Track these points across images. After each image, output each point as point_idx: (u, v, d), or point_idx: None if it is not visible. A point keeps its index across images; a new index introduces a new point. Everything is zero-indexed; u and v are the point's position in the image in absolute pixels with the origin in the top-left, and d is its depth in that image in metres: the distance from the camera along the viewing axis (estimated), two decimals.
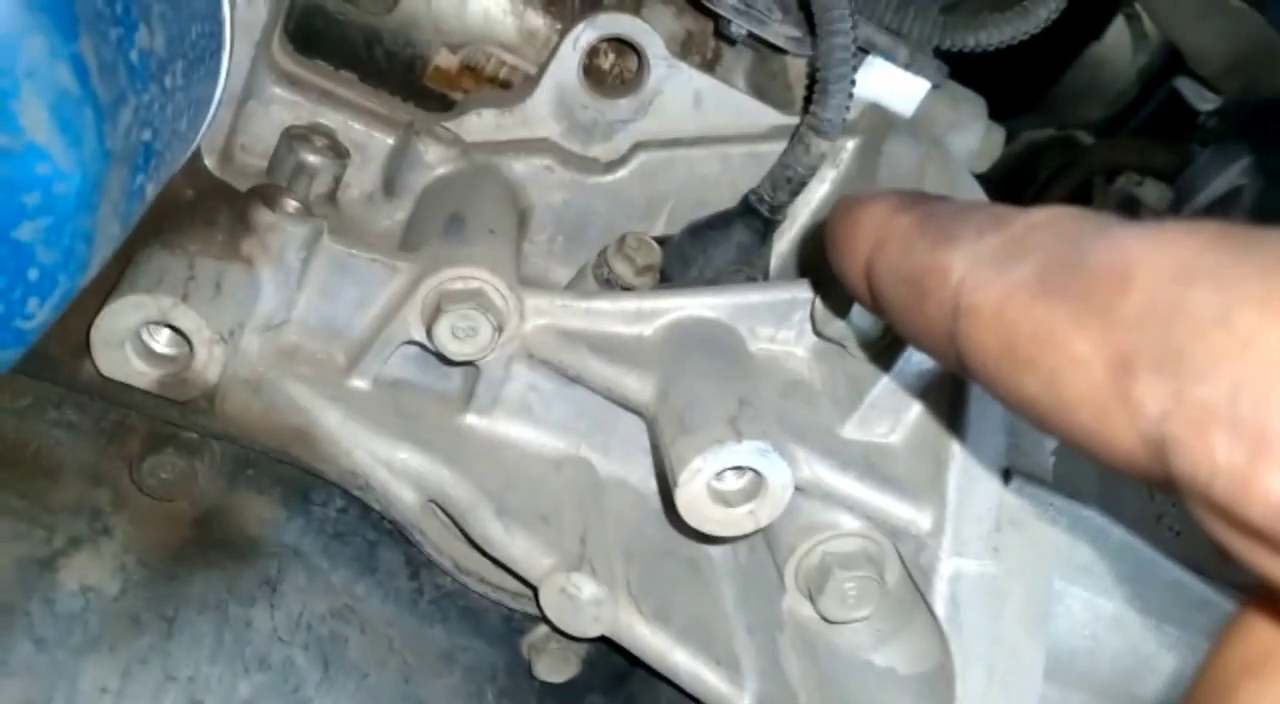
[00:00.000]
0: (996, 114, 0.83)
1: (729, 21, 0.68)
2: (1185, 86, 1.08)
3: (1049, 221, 0.26)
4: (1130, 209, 1.07)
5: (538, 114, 0.72)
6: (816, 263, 0.62)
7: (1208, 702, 0.23)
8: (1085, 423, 0.23)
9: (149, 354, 0.50)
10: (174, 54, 0.41)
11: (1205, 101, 1.06)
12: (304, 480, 0.55)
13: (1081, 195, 1.21)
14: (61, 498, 0.50)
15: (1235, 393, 0.20)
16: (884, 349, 0.56)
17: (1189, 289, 0.21)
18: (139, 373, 0.49)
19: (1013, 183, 1.27)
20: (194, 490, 0.52)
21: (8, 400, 0.50)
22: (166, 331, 0.50)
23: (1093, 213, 0.25)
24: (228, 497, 0.53)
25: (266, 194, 0.55)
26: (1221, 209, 1.03)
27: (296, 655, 0.51)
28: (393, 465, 0.57)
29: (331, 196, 0.66)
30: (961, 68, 0.78)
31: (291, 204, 0.55)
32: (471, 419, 0.61)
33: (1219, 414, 0.20)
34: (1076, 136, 1.23)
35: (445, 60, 0.75)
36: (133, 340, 0.49)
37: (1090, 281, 0.23)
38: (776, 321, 0.62)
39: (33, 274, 0.35)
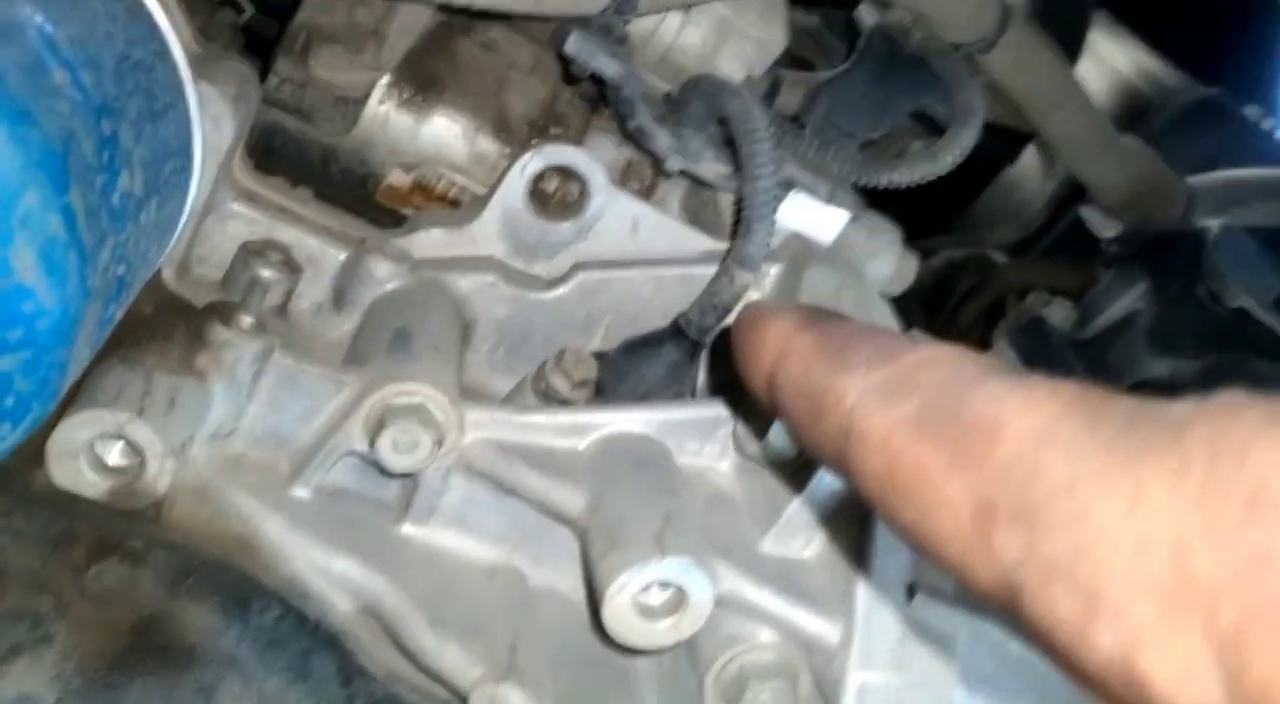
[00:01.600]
0: (917, 232, 0.90)
1: (663, 158, 0.73)
2: (1089, 214, 1.17)
3: (932, 362, 0.29)
4: (1037, 328, 1.15)
5: (485, 233, 0.76)
6: (729, 378, 0.67)
7: None
8: (952, 556, 0.26)
9: (101, 466, 0.52)
10: (150, 192, 0.45)
11: (1107, 228, 1.15)
12: (243, 588, 0.56)
13: (995, 311, 1.29)
14: (4, 604, 0.51)
15: (1075, 555, 0.22)
16: (798, 469, 0.60)
17: (1046, 452, 0.24)
18: (91, 483, 0.51)
19: (933, 297, 1.34)
20: (135, 597, 0.54)
21: None
22: (119, 444, 0.52)
23: (970, 357, 0.29)
24: (168, 604, 0.55)
25: (222, 311, 0.58)
26: (1121, 329, 1.11)
27: None
28: (330, 574, 0.59)
29: (282, 308, 0.69)
30: (884, 191, 0.84)
31: (246, 320, 0.58)
32: (408, 528, 0.64)
33: (1060, 572, 0.23)
34: (990, 256, 1.31)
35: (398, 179, 0.80)
36: (87, 452, 0.51)
37: (965, 431, 0.26)
38: (701, 437, 0.66)
39: (8, 401, 0.37)
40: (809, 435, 0.33)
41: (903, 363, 0.30)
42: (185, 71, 0.51)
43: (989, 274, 1.28)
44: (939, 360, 0.29)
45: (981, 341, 1.25)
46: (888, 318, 0.79)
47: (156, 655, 0.53)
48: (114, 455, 0.52)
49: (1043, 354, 1.09)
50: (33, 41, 0.36)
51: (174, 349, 0.55)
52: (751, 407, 0.62)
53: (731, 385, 0.74)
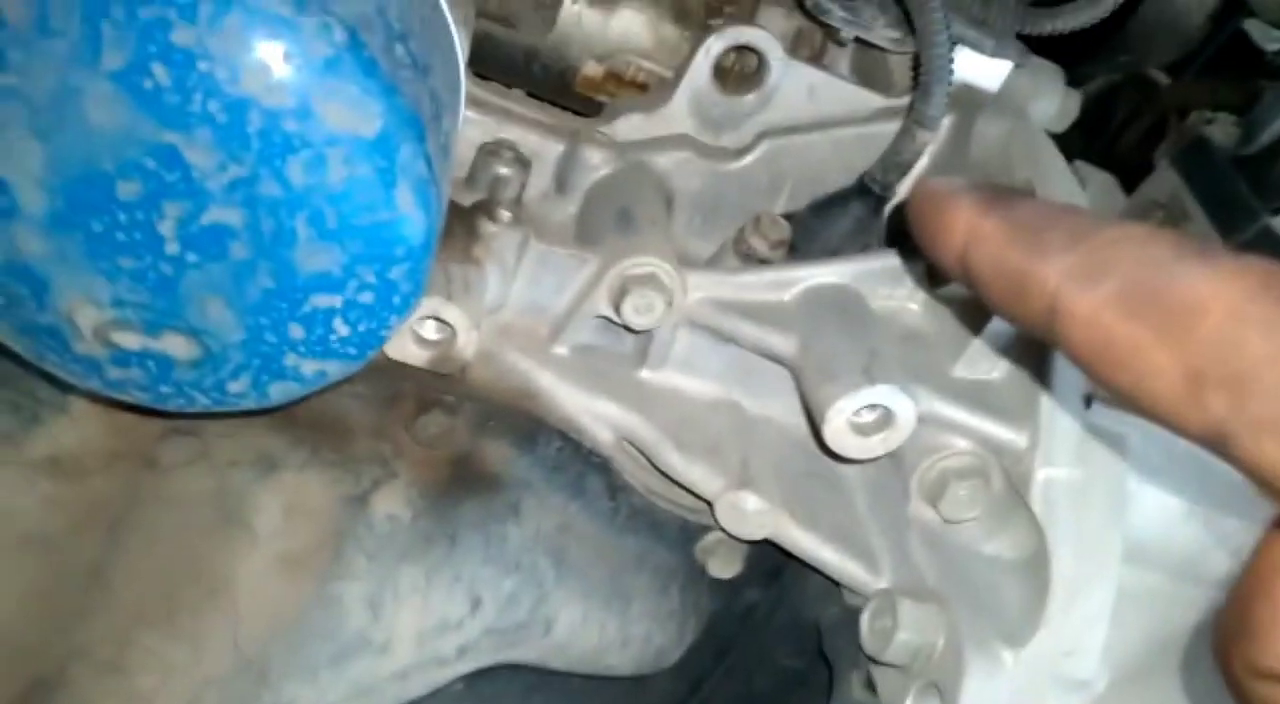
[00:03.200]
0: (1074, 58, 0.93)
1: (838, 29, 0.80)
2: (1253, 26, 1.15)
3: (1124, 241, 0.33)
4: (1200, 147, 1.16)
5: (676, 113, 0.85)
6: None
7: (1255, 584, 0.31)
8: (1165, 412, 0.31)
9: (420, 340, 0.66)
10: (454, 125, 0.56)
11: (1272, 40, 1.14)
12: (531, 427, 0.70)
13: (1157, 132, 1.30)
14: (359, 451, 0.67)
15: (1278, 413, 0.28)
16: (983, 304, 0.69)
17: (1244, 329, 0.29)
18: (415, 355, 0.65)
19: (1093, 122, 1.36)
20: (453, 440, 0.69)
21: None
22: (431, 322, 0.66)
23: (1156, 235, 0.33)
24: (475, 442, 0.70)
25: (488, 208, 0.70)
26: None
27: (539, 560, 0.68)
28: (594, 412, 0.72)
29: (519, 199, 0.81)
30: None
31: (506, 215, 0.70)
32: (645, 373, 0.76)
33: (1267, 427, 0.28)
34: (1150, 76, 1.30)
35: (592, 70, 0.89)
36: (410, 331, 0.65)
37: (1169, 311, 0.30)
38: (892, 283, 0.75)
39: (396, 299, 0.50)
40: (1012, 312, 0.36)
41: (1096, 243, 0.33)
42: (448, 13, 0.61)
43: (1149, 95, 1.28)
44: (1130, 239, 0.33)
45: (1143, 163, 1.27)
46: (1055, 157, 0.85)
47: (474, 482, 0.69)
48: (429, 331, 0.66)
49: (1205, 173, 1.11)
50: (381, 26, 0.47)
51: (456, 242, 0.68)
52: None
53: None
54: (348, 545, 0.62)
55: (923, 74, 0.73)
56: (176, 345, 0.50)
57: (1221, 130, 1.17)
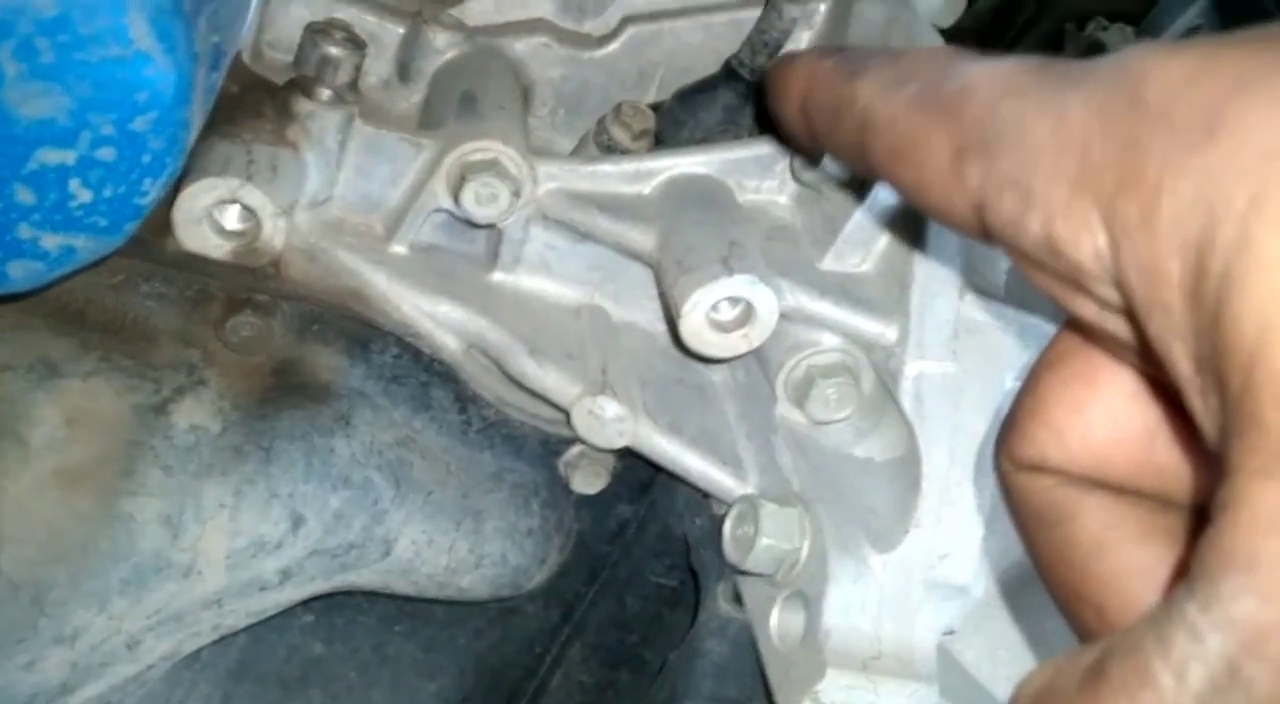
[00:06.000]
0: None
1: None
2: None
3: (930, 55, 0.34)
4: (1097, 54, 1.12)
5: None
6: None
7: (1025, 382, 0.34)
8: (939, 198, 0.32)
9: (221, 230, 0.58)
10: None
11: None
12: (363, 332, 0.64)
13: (1055, 42, 1.26)
14: (160, 356, 0.59)
15: (1018, 167, 0.28)
16: (855, 190, 0.64)
17: (1004, 100, 0.30)
18: (216, 245, 0.58)
19: (990, 32, 1.31)
20: (270, 345, 0.61)
21: (106, 278, 0.59)
22: (234, 209, 0.59)
23: (965, 50, 0.34)
24: (299, 349, 0.62)
25: (304, 84, 0.62)
26: None
27: (373, 475, 0.62)
28: (436, 317, 0.66)
29: (354, 85, 0.73)
30: None
31: (325, 93, 0.63)
32: (498, 276, 0.70)
33: (1007, 181, 0.29)
34: None
35: None
36: (208, 218, 0.57)
37: (947, 98, 0.32)
38: (761, 174, 0.70)
39: (145, 158, 0.43)
40: (834, 142, 0.38)
41: (905, 59, 0.35)
42: None
43: (1047, 4, 1.25)
44: (936, 53, 0.34)
45: None
46: (935, 43, 0.80)
47: (297, 391, 0.62)
48: (231, 220, 0.58)
49: None
50: None
51: (266, 122, 0.60)
52: None
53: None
54: (141, 459, 0.55)
55: None
56: None
57: (1118, 37, 1.14)
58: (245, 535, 0.57)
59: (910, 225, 0.64)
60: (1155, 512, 0.34)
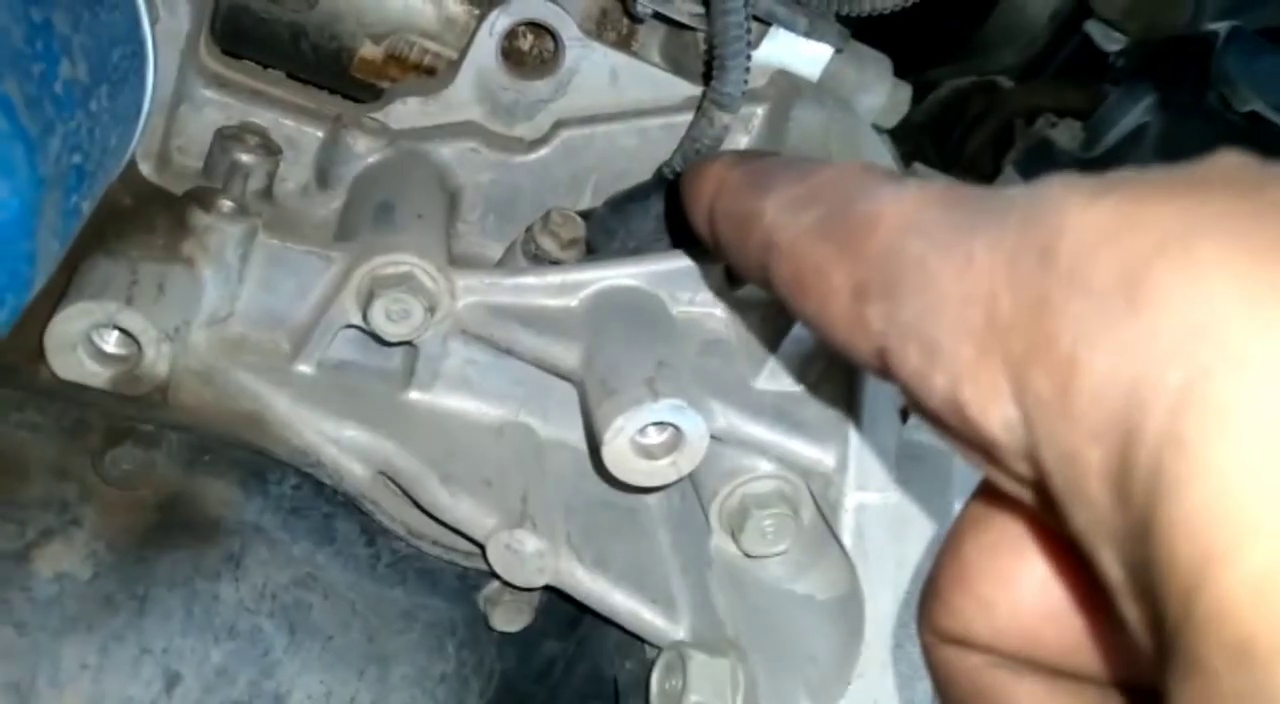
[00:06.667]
0: (921, 64, 0.87)
1: (635, 1, 0.71)
2: (1094, 29, 1.12)
3: (838, 176, 0.31)
4: (1044, 150, 1.12)
5: (460, 98, 0.75)
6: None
7: (945, 547, 0.31)
8: (842, 337, 0.29)
9: (100, 355, 0.53)
10: (98, 79, 0.44)
11: (1113, 42, 1.11)
12: (258, 462, 0.59)
13: (1004, 137, 1.26)
14: (30, 493, 0.54)
15: (921, 316, 0.26)
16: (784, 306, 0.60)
17: (908, 236, 0.27)
18: (92, 373, 0.53)
19: (941, 128, 1.31)
20: (155, 478, 0.56)
21: None
22: (115, 333, 0.54)
23: (874, 169, 0.31)
24: (187, 482, 0.57)
25: (201, 197, 0.58)
26: (1130, 146, 1.08)
27: (264, 623, 0.56)
28: (341, 442, 0.61)
29: (267, 192, 0.69)
30: (884, 22, 0.81)
31: (226, 204, 0.58)
32: (414, 395, 0.65)
33: (911, 331, 0.26)
34: (998, 82, 1.27)
35: (370, 51, 0.78)
36: (84, 343, 0.53)
37: (852, 227, 0.29)
38: (694, 286, 0.66)
39: None
40: (739, 258, 0.35)
41: (813, 179, 0.32)
42: None
43: (996, 100, 1.25)
44: (844, 174, 0.32)
45: (992, 169, 1.23)
46: (880, 151, 0.77)
47: (183, 530, 0.56)
48: (111, 345, 0.54)
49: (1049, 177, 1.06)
50: None
51: (157, 238, 0.56)
52: None
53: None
54: None
55: (717, 48, 0.65)
56: None
57: (1066, 134, 1.13)
58: (110, 699, 0.51)
59: None
60: (1097, 699, 0.29)
